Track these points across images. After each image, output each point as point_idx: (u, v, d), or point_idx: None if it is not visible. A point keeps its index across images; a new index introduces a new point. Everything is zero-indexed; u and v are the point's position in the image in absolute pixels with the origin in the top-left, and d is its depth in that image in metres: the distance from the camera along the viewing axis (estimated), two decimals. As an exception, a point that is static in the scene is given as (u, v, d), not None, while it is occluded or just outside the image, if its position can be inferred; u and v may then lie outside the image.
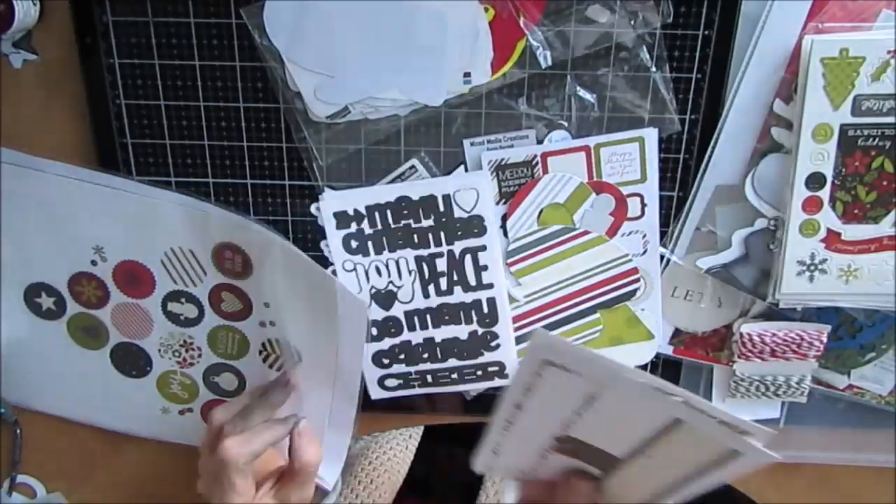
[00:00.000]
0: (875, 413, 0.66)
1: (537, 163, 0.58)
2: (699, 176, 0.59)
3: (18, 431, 0.71)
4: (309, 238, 0.63)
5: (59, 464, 0.74)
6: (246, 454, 0.55)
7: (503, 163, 0.58)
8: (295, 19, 0.55)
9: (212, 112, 0.59)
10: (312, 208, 0.60)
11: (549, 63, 0.56)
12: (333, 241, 0.60)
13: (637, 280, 0.61)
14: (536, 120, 0.58)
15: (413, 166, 0.59)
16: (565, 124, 0.58)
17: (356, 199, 0.59)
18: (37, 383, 0.69)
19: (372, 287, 0.62)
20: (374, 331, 0.63)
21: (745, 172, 0.58)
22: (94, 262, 0.61)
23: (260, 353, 0.64)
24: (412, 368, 0.65)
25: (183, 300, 0.61)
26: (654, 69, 0.56)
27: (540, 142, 0.58)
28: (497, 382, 0.66)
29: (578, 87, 0.57)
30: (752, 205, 0.58)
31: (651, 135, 0.56)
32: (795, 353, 0.63)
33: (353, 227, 0.60)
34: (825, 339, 0.62)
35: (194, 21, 0.56)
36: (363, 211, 0.59)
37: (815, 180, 0.56)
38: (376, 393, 0.66)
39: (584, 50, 0.56)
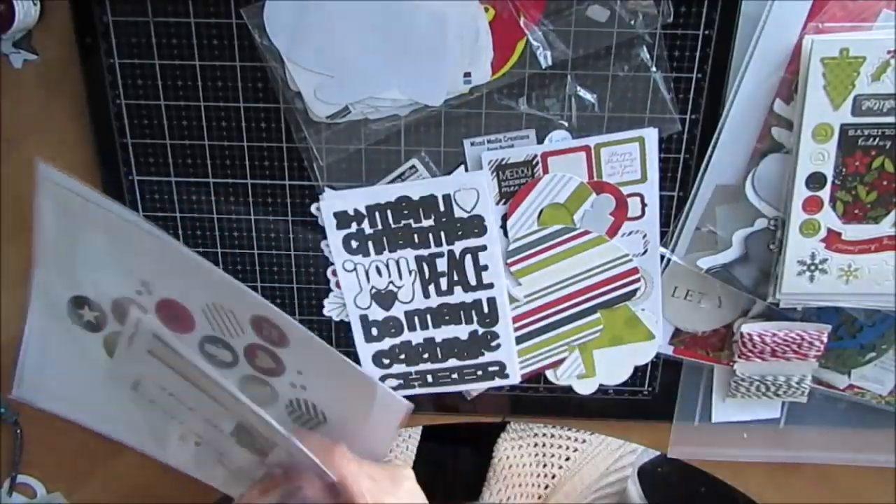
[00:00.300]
0: (875, 413, 0.66)
1: (537, 163, 0.58)
2: (699, 176, 0.59)
3: (18, 431, 0.71)
4: (309, 238, 0.63)
5: (59, 464, 0.74)
6: None
7: (503, 163, 0.58)
8: (295, 19, 0.55)
9: (212, 112, 0.59)
10: (313, 208, 0.60)
11: (550, 63, 0.56)
12: (333, 241, 0.60)
13: (637, 280, 0.61)
14: (537, 120, 0.58)
15: (413, 166, 0.59)
16: (565, 124, 0.58)
17: (356, 198, 0.59)
18: (58, 386, 0.68)
19: (372, 287, 0.62)
20: (375, 331, 0.63)
21: (746, 172, 0.58)
22: (139, 293, 0.61)
23: (286, 407, 0.64)
24: (412, 368, 0.65)
25: (220, 346, 0.61)
26: (654, 69, 0.56)
27: (540, 142, 0.58)
28: (497, 382, 0.66)
29: (579, 87, 0.57)
30: (752, 205, 0.58)
31: (651, 135, 0.56)
32: (796, 353, 0.63)
33: (354, 227, 0.60)
34: (825, 339, 0.62)
35: (194, 21, 0.56)
36: (363, 211, 0.59)
37: (815, 180, 0.56)
38: None
39: (584, 50, 0.56)
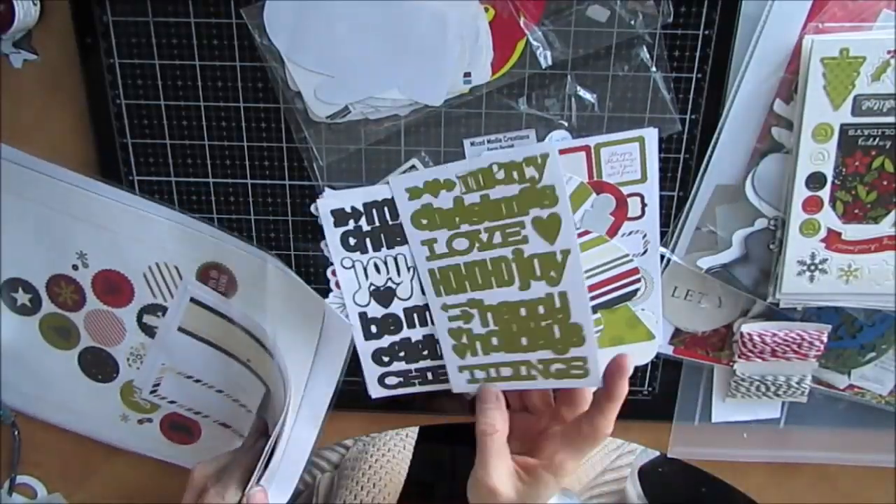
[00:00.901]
0: (875, 413, 0.66)
1: None
2: (699, 175, 0.59)
3: (17, 433, 0.71)
4: (309, 238, 0.63)
5: (59, 464, 0.74)
6: None
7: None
8: (295, 19, 0.55)
9: (212, 112, 0.59)
10: (312, 208, 0.60)
11: (550, 63, 0.56)
12: (332, 239, 0.60)
13: (638, 280, 0.61)
14: (537, 120, 0.58)
15: (413, 166, 0.59)
16: (565, 124, 0.58)
17: (353, 196, 0.59)
18: (8, 378, 0.69)
19: (371, 284, 0.62)
20: (374, 328, 0.63)
21: (746, 172, 0.58)
22: (75, 267, 0.61)
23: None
24: (412, 366, 0.65)
25: (159, 314, 0.61)
26: (654, 69, 0.56)
27: (540, 141, 0.58)
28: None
29: (579, 87, 0.57)
30: (752, 204, 0.58)
31: (651, 134, 0.56)
32: (796, 353, 0.63)
33: (351, 225, 0.60)
34: (826, 339, 0.62)
35: (194, 21, 0.56)
36: (360, 208, 0.59)
37: (815, 180, 0.56)
38: (376, 391, 0.66)
39: (584, 50, 0.56)
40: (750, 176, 0.58)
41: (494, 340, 0.62)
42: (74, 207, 0.58)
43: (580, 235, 0.59)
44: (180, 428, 0.69)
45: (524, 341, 0.61)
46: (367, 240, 0.60)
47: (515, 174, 0.56)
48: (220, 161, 0.61)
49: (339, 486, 0.79)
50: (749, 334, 0.62)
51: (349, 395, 0.65)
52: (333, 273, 0.62)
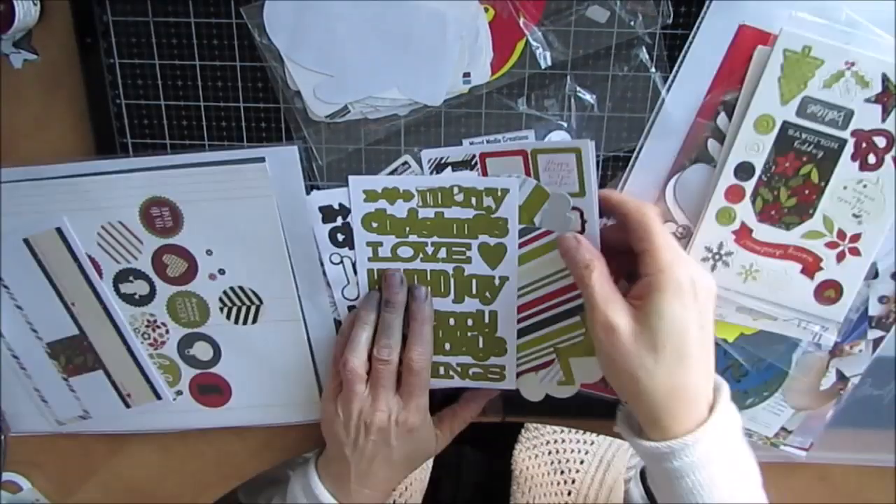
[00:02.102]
0: (875, 413, 0.66)
1: (476, 163, 0.58)
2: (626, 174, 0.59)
3: (3, 438, 0.71)
4: (309, 238, 0.63)
5: (59, 464, 0.74)
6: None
7: (442, 161, 0.58)
8: (295, 19, 0.55)
9: (212, 112, 0.59)
10: None
11: (549, 63, 0.56)
12: (320, 235, 0.61)
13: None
14: (536, 120, 0.58)
15: (406, 162, 0.59)
16: (564, 125, 0.58)
17: (341, 194, 0.60)
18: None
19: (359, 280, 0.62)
20: None
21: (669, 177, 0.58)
22: None
23: (221, 310, 0.64)
24: None
25: (131, 278, 0.61)
26: (653, 69, 0.56)
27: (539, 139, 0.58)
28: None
29: (578, 88, 0.57)
30: (667, 207, 0.58)
31: (588, 146, 0.54)
32: None
33: (339, 221, 0.60)
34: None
35: (194, 21, 0.56)
36: (348, 205, 0.60)
37: (744, 169, 0.56)
38: None
39: (583, 50, 0.56)
40: (675, 178, 0.58)
41: None
42: (11, 205, 0.58)
43: (540, 236, 0.59)
44: (210, 389, 0.68)
45: (447, 346, 0.63)
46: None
47: (474, 200, 0.58)
48: (219, 161, 0.61)
49: None
50: None
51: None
52: (324, 273, 0.62)
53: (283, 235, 0.60)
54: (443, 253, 0.60)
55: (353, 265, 0.62)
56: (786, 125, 0.54)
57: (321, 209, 0.60)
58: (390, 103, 0.57)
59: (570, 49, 0.56)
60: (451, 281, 0.61)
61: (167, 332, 0.64)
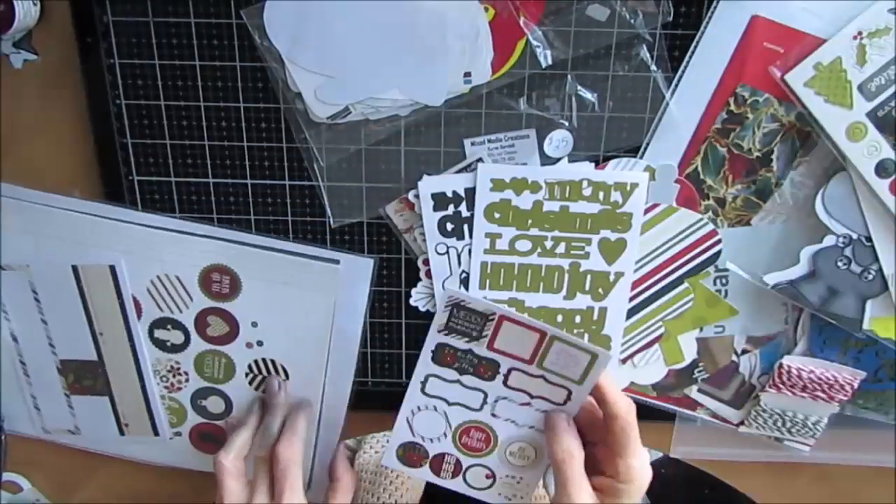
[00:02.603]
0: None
1: (488, 328, 0.56)
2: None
3: (3, 438, 0.71)
4: (309, 238, 0.63)
5: (59, 464, 0.74)
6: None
7: (460, 303, 0.56)
8: (295, 20, 0.55)
9: (212, 112, 0.59)
10: (410, 195, 0.60)
11: (550, 62, 0.56)
12: (429, 224, 0.60)
13: (719, 241, 0.60)
14: (537, 120, 0.58)
15: (481, 159, 0.59)
16: (566, 124, 0.58)
17: (456, 181, 0.59)
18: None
19: (462, 271, 0.62)
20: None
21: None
22: None
23: (246, 375, 0.65)
24: None
25: (169, 327, 0.61)
26: (654, 69, 0.56)
27: (541, 141, 0.58)
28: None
29: (579, 87, 0.57)
30: (821, 221, 0.58)
31: (604, 357, 0.53)
32: (825, 394, 0.63)
33: (451, 210, 0.60)
34: (856, 386, 0.62)
35: (194, 21, 0.56)
36: (462, 193, 0.59)
37: (882, 169, 0.55)
38: None
39: (584, 49, 0.56)
40: (820, 194, 0.58)
41: None
42: (68, 231, 0.58)
43: (649, 209, 0.59)
44: (209, 438, 0.69)
45: None
46: (466, 226, 0.60)
47: (601, 195, 0.58)
48: (220, 161, 0.61)
49: (359, 488, 0.78)
50: (788, 367, 0.62)
51: (353, 395, 0.66)
52: (425, 262, 0.62)
53: (331, 330, 0.61)
54: (562, 248, 0.60)
55: (458, 256, 0.61)
56: (872, 114, 0.54)
57: (433, 196, 0.59)
58: (391, 104, 0.57)
59: (570, 48, 0.56)
60: (566, 277, 0.60)
61: (187, 380, 0.65)
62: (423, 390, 0.57)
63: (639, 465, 0.55)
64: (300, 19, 0.55)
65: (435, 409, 0.58)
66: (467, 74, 0.56)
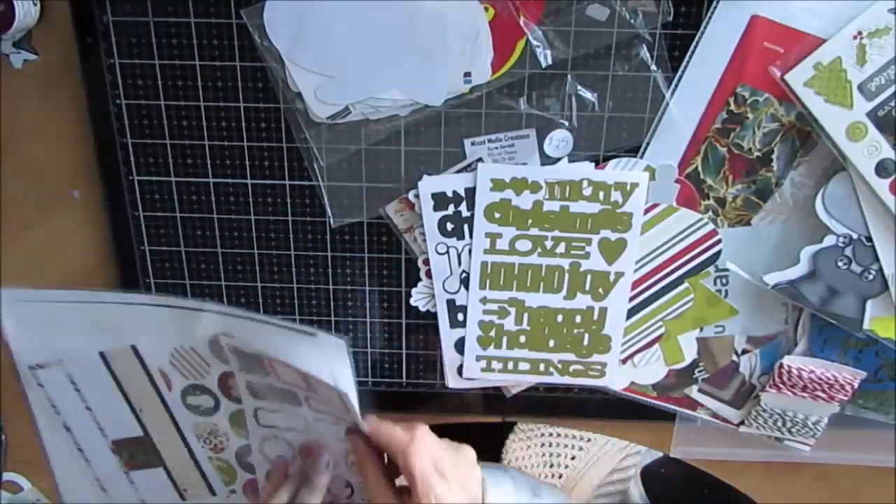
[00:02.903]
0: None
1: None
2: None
3: (3, 438, 0.71)
4: (309, 238, 0.63)
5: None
6: None
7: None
8: (295, 20, 0.55)
9: (212, 112, 0.59)
10: (410, 195, 0.60)
11: (550, 62, 0.56)
12: (429, 223, 0.60)
13: (719, 241, 0.60)
14: (537, 119, 0.58)
15: (481, 158, 0.59)
16: (566, 124, 0.58)
17: (456, 180, 0.59)
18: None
19: (462, 271, 0.62)
20: (460, 316, 0.64)
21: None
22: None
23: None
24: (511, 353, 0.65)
25: (198, 392, 0.63)
26: (654, 69, 0.56)
27: (541, 141, 0.58)
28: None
29: (579, 87, 0.57)
30: (821, 221, 0.58)
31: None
32: (825, 394, 0.63)
33: (451, 210, 0.60)
34: (856, 386, 0.62)
35: (194, 21, 0.56)
36: (462, 193, 0.59)
37: (882, 169, 0.55)
38: (455, 382, 0.66)
39: (584, 49, 0.56)
40: (820, 194, 0.58)
41: (522, 338, 0.63)
42: (88, 321, 0.60)
43: (650, 209, 0.59)
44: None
45: (551, 343, 0.63)
46: (465, 226, 0.60)
47: (602, 194, 0.58)
48: (220, 161, 0.61)
49: None
50: (788, 367, 0.62)
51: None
52: (426, 262, 0.62)
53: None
54: (562, 248, 0.60)
55: (458, 256, 0.61)
56: (872, 113, 0.54)
57: (433, 196, 0.59)
58: (391, 104, 0.57)
59: (570, 48, 0.56)
60: (566, 277, 0.61)
61: (227, 440, 0.66)
62: (258, 423, 0.60)
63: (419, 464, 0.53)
64: (300, 19, 0.55)
65: (275, 437, 0.61)
66: (467, 74, 0.56)
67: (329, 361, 0.56)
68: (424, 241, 0.61)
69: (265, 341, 0.57)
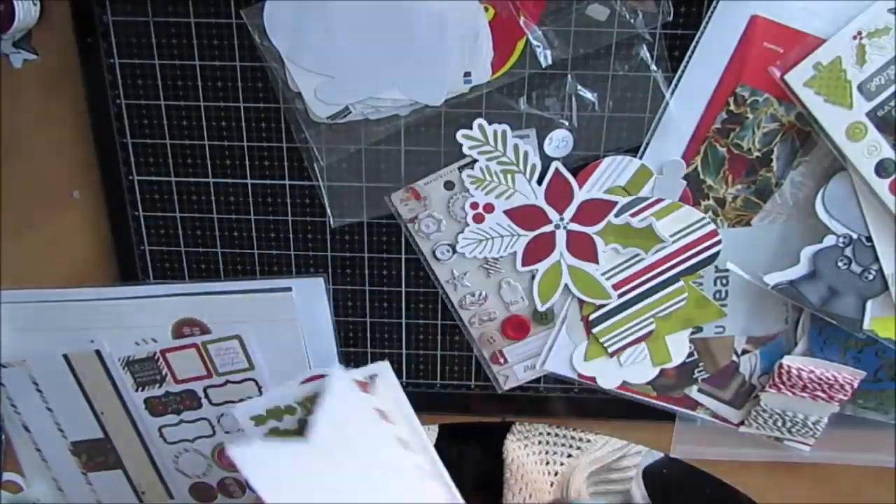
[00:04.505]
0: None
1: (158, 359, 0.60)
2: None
3: (3, 438, 0.71)
4: (309, 238, 0.63)
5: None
6: None
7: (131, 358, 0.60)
8: (295, 20, 0.55)
9: (212, 112, 0.59)
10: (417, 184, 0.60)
11: (550, 62, 0.56)
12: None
13: (719, 242, 0.60)
14: (537, 119, 0.58)
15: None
16: (566, 123, 0.58)
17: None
18: None
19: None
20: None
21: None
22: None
23: None
24: None
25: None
26: (654, 69, 0.56)
27: (541, 141, 0.58)
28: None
29: (579, 87, 0.57)
30: (821, 221, 0.58)
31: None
32: (825, 394, 0.63)
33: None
34: (856, 386, 0.62)
35: (194, 21, 0.56)
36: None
37: (882, 169, 0.55)
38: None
39: (584, 49, 0.56)
40: (820, 194, 0.58)
41: None
42: (50, 321, 0.62)
43: (653, 204, 0.59)
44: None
45: None
46: None
47: None
48: (220, 161, 0.61)
49: None
50: (788, 366, 0.62)
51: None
52: (473, 206, 0.61)
53: (306, 355, 0.63)
54: None
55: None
56: (872, 113, 0.54)
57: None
58: (391, 104, 0.57)
59: (570, 48, 0.56)
60: None
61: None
62: (165, 442, 0.61)
63: None
64: (300, 19, 0.55)
65: (185, 450, 0.61)
66: (467, 74, 0.56)
67: (307, 304, 0.57)
68: (427, 233, 0.61)
69: (230, 314, 0.58)
